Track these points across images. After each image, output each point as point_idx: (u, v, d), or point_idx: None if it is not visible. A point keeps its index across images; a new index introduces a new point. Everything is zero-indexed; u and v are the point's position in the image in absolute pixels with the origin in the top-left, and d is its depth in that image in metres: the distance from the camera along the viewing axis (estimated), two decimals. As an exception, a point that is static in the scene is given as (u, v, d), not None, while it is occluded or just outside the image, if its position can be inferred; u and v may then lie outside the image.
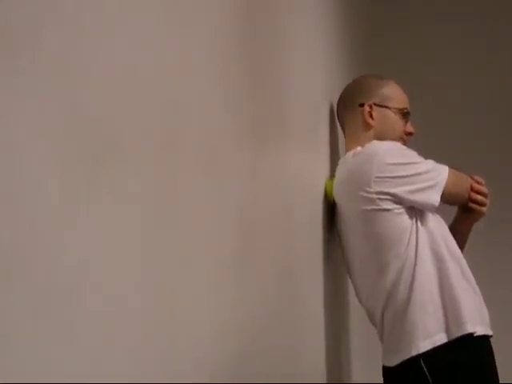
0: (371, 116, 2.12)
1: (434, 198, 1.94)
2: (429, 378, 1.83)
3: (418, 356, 1.85)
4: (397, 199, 1.91)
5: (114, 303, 0.77)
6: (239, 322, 1.22)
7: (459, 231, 2.09)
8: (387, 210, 1.91)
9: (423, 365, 1.84)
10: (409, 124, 2.16)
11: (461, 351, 1.86)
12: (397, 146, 2.01)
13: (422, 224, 1.94)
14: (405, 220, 1.93)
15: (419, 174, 1.95)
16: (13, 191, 0.60)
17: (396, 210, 1.92)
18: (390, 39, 3.62)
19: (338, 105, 2.24)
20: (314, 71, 2.10)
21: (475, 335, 1.87)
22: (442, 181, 1.96)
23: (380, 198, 1.91)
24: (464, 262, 1.97)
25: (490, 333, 1.93)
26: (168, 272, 0.92)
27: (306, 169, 1.92)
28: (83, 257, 0.71)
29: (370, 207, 1.92)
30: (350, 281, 2.41)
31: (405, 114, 2.14)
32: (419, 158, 1.99)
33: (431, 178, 1.96)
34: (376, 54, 3.48)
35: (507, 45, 3.60)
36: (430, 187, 1.94)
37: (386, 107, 2.13)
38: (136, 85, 0.85)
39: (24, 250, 0.62)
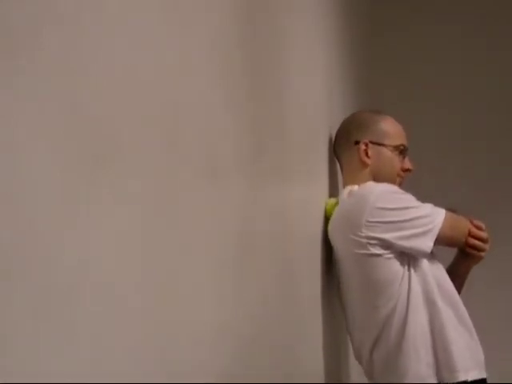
0: (367, 154, 2.08)
1: (427, 244, 1.91)
2: None
3: None
4: (386, 244, 1.89)
5: (113, 303, 0.77)
6: (239, 322, 1.22)
7: (457, 273, 2.06)
8: (378, 255, 1.89)
9: None
10: (406, 160, 2.11)
11: None
12: (392, 189, 1.97)
13: (415, 267, 1.92)
14: (396, 265, 1.90)
15: (412, 219, 1.92)
16: (13, 191, 0.60)
17: (386, 255, 1.90)
18: (389, 39, 3.62)
19: (335, 140, 2.20)
20: (313, 71, 2.10)
21: (469, 380, 1.86)
22: (437, 226, 1.92)
23: (370, 243, 1.89)
24: (460, 304, 1.94)
25: (484, 376, 1.91)
26: (168, 272, 0.92)
27: (306, 169, 1.92)
28: (83, 257, 0.71)
29: (360, 251, 1.91)
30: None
31: (401, 151, 2.10)
32: (414, 203, 1.96)
33: (425, 223, 1.92)
34: (376, 54, 3.48)
35: (507, 45, 3.60)
36: (423, 233, 1.91)
37: (382, 145, 2.09)
38: (136, 85, 0.85)
39: (24, 250, 0.61)
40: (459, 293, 2.01)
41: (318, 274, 1.99)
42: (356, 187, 1.99)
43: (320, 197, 2.08)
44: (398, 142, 2.10)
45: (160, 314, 0.89)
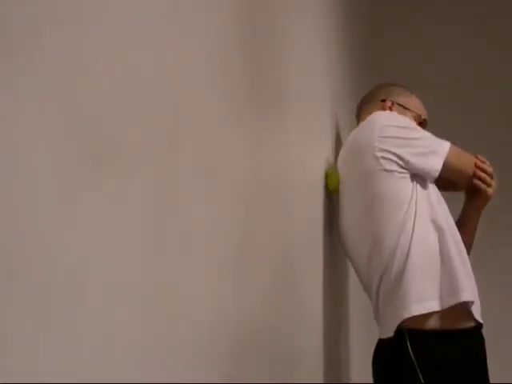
0: (391, 111, 2.14)
1: (437, 163, 1.93)
2: (413, 357, 1.79)
3: (405, 337, 1.80)
4: (400, 160, 1.90)
5: (113, 303, 0.77)
6: (239, 322, 1.22)
7: (467, 218, 2.07)
8: (389, 170, 1.90)
9: (409, 347, 1.79)
10: None
11: (450, 341, 1.82)
12: (398, 114, 2.05)
13: (423, 195, 1.92)
14: (405, 185, 1.91)
15: (420, 138, 1.97)
16: (13, 191, 0.60)
17: (397, 174, 1.90)
18: (390, 39, 3.62)
19: (360, 102, 2.28)
20: (314, 71, 2.10)
21: (465, 327, 1.84)
22: (445, 149, 1.96)
23: (384, 157, 1.90)
24: (463, 246, 1.93)
25: (481, 320, 1.88)
26: (168, 272, 0.92)
27: (306, 168, 1.92)
28: (83, 257, 0.71)
29: (373, 167, 1.91)
30: (349, 281, 2.41)
31: (422, 122, 2.17)
32: (420, 129, 2.03)
33: (433, 144, 1.97)
34: (376, 53, 3.48)
35: (507, 45, 3.60)
36: (432, 152, 1.94)
37: (407, 109, 2.17)
38: (136, 85, 0.85)
39: (24, 250, 0.62)
40: (471, 243, 2.02)
41: (319, 273, 1.99)
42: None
43: (321, 194, 2.08)
44: (420, 113, 2.20)
45: (160, 314, 0.89)
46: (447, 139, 3.59)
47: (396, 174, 1.90)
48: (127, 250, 0.81)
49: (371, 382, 2.01)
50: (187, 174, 1.00)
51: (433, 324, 1.83)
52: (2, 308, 0.58)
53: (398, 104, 2.17)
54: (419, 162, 1.92)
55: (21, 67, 0.62)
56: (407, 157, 1.91)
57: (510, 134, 3.54)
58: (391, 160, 1.90)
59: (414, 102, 2.21)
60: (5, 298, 0.59)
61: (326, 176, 2.12)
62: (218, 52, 1.16)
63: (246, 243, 1.28)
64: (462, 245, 1.94)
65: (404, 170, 1.91)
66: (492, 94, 3.57)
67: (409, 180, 1.92)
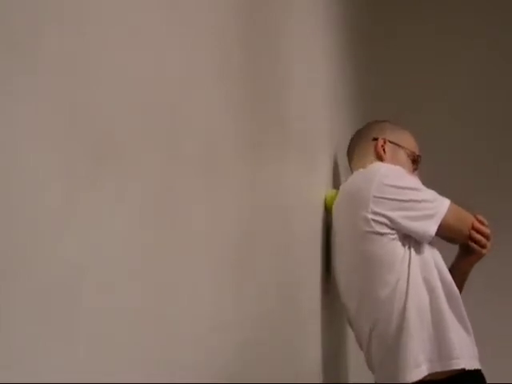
0: (384, 150, 2.10)
1: (431, 228, 1.89)
2: None
3: None
4: (392, 224, 1.87)
5: (114, 303, 0.77)
6: (239, 322, 1.22)
7: (458, 270, 2.03)
8: (380, 233, 1.87)
9: None
10: (416, 172, 2.13)
11: None
12: (400, 169, 1.98)
13: (416, 253, 1.89)
14: (397, 247, 1.88)
15: (418, 201, 1.91)
16: (13, 191, 0.60)
17: (390, 236, 1.87)
18: (390, 39, 3.62)
19: (351, 140, 2.23)
20: (314, 71, 2.10)
21: (466, 370, 1.82)
22: (442, 212, 1.91)
23: (375, 220, 1.86)
24: (459, 298, 1.91)
25: (479, 367, 1.87)
26: (168, 272, 0.92)
27: (306, 173, 1.92)
28: (83, 257, 0.71)
29: (364, 228, 1.88)
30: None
31: (416, 159, 2.14)
32: (421, 186, 1.96)
33: (430, 207, 1.92)
34: (376, 54, 3.48)
35: (507, 45, 3.60)
36: (428, 216, 1.90)
37: (400, 146, 2.13)
38: (136, 85, 0.85)
39: (24, 250, 0.61)
40: (460, 292, 1.97)
41: (318, 273, 1.99)
42: (362, 169, 2.00)
43: (319, 202, 2.08)
44: (414, 150, 2.15)
45: (160, 314, 0.89)
46: (448, 139, 3.57)
47: (389, 235, 1.87)
48: (127, 249, 0.81)
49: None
50: (187, 174, 1.00)
51: (429, 376, 1.82)
52: (1, 308, 0.58)
53: (390, 142, 2.12)
54: (412, 227, 1.89)
55: (21, 67, 0.62)
56: (400, 220, 1.87)
57: (510, 134, 3.54)
58: (383, 223, 1.87)
59: (406, 139, 2.16)
60: (5, 298, 0.59)
61: (326, 198, 2.10)
62: (218, 52, 1.16)
63: (245, 243, 1.28)
64: (455, 290, 1.91)
65: (395, 231, 1.88)
66: (492, 94, 3.57)
67: (401, 240, 1.89)
